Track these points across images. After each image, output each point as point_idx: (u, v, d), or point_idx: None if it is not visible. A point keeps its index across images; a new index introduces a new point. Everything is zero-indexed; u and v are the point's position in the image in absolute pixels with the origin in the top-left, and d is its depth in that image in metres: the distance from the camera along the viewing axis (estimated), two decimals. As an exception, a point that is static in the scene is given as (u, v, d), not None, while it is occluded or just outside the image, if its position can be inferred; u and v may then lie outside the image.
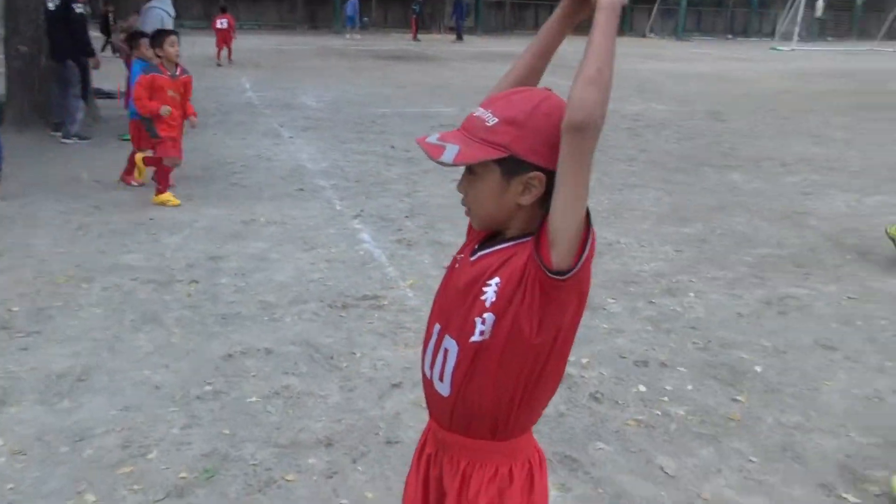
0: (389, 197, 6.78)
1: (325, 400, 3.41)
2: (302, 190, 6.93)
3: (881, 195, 7.32)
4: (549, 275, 1.34)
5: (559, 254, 1.33)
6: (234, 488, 2.79)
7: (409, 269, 5.05)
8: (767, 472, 3.00)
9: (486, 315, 1.42)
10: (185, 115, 6.33)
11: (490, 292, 1.42)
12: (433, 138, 1.44)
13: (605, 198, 6.95)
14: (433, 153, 1.41)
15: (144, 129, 6.29)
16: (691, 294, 4.74)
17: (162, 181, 6.29)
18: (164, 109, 5.99)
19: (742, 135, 10.41)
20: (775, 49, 26.32)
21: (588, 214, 1.36)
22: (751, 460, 3.07)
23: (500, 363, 1.44)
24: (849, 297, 4.77)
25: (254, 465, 2.93)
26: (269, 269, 4.96)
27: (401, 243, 5.55)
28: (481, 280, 1.44)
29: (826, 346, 4.09)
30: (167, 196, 6.29)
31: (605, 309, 4.46)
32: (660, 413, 3.39)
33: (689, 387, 3.61)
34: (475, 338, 1.44)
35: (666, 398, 3.51)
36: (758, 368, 3.81)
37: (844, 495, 2.87)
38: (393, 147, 8.88)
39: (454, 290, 1.51)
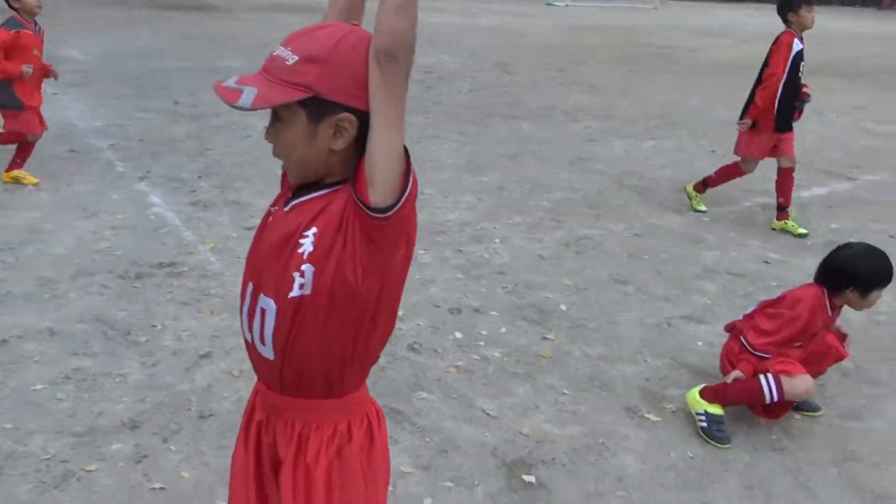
0: (179, 156, 6.30)
1: (126, 379, 3.11)
2: (74, 151, 6.24)
3: (653, 140, 7.97)
4: (370, 214, 1.26)
5: (378, 191, 1.25)
6: (24, 488, 2.46)
7: (207, 232, 4.73)
8: (580, 403, 3.17)
9: (304, 267, 1.31)
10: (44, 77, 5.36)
11: (307, 243, 1.31)
12: (231, 82, 1.30)
13: (406, 150, 6.94)
14: (229, 98, 1.27)
15: None
16: (496, 240, 4.88)
17: (22, 156, 5.35)
18: (27, 69, 4.98)
19: (527, 86, 10.86)
20: (551, 4, 27.69)
21: (406, 151, 1.28)
22: (564, 393, 3.23)
23: (326, 317, 1.34)
24: (635, 235, 5.15)
25: (46, 459, 2.61)
26: (45, 242, 4.42)
27: (196, 205, 5.18)
28: (297, 231, 1.33)
29: (620, 280, 4.39)
30: (21, 173, 5.35)
31: (415, 260, 4.45)
32: (477, 357, 3.46)
33: (503, 329, 3.72)
34: (294, 293, 1.33)
35: (482, 342, 3.59)
36: (563, 307, 4.01)
37: (647, 415, 3.10)
38: (177, 103, 8.26)
39: (268, 245, 1.39)
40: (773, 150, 5.34)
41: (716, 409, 2.95)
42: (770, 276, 4.57)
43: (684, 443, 2.94)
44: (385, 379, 3.21)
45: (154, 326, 3.53)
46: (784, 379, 2.88)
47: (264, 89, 1.27)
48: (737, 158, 5.50)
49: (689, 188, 5.75)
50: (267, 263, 1.38)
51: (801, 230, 5.30)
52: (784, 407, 2.99)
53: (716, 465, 2.83)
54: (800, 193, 6.26)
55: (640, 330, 3.82)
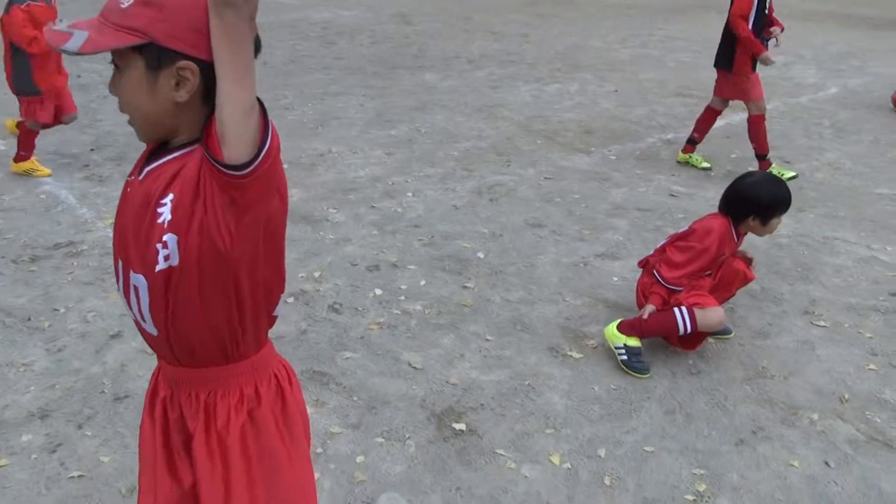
0: (67, 130, 5.93)
1: (31, 367, 2.94)
2: (-50, 132, 5.80)
3: (558, 83, 8.02)
4: (226, 172, 1.16)
5: (231, 148, 1.15)
6: (-72, 493, 2.32)
7: (105, 207, 4.49)
8: (504, 347, 3.20)
9: (166, 238, 1.22)
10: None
11: (165, 211, 1.22)
12: (62, 25, 1.19)
13: (310, 108, 6.77)
14: (57, 41, 1.17)
15: (13, 84, 4.68)
16: (409, 194, 4.83)
17: (27, 144, 4.90)
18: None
19: (429, 35, 10.72)
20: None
21: (262, 104, 1.19)
22: (488, 339, 3.25)
23: (201, 286, 1.25)
24: (545, 178, 5.19)
25: (-50, 459, 2.45)
26: (-75, 230, 4.12)
27: (91, 180, 4.91)
28: (154, 199, 1.23)
29: (534, 224, 4.43)
30: (32, 164, 4.95)
31: (328, 220, 4.37)
32: (399, 312, 3.44)
33: (423, 282, 3.71)
34: (161, 266, 1.24)
35: (402, 297, 3.56)
36: (480, 254, 4.02)
37: (570, 353, 3.16)
38: (60, 73, 7.76)
39: (128, 218, 1.29)
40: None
41: (634, 342, 3.03)
42: (677, 209, 4.70)
43: (607, 376, 3.02)
44: (307, 342, 3.16)
45: (56, 310, 3.35)
46: (697, 311, 2.97)
47: (95, 33, 1.17)
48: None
49: (774, 168, 5.24)
50: (130, 237, 1.29)
51: (705, 164, 5.44)
52: (699, 338, 3.09)
53: (638, 394, 2.92)
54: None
55: (558, 271, 3.87)
